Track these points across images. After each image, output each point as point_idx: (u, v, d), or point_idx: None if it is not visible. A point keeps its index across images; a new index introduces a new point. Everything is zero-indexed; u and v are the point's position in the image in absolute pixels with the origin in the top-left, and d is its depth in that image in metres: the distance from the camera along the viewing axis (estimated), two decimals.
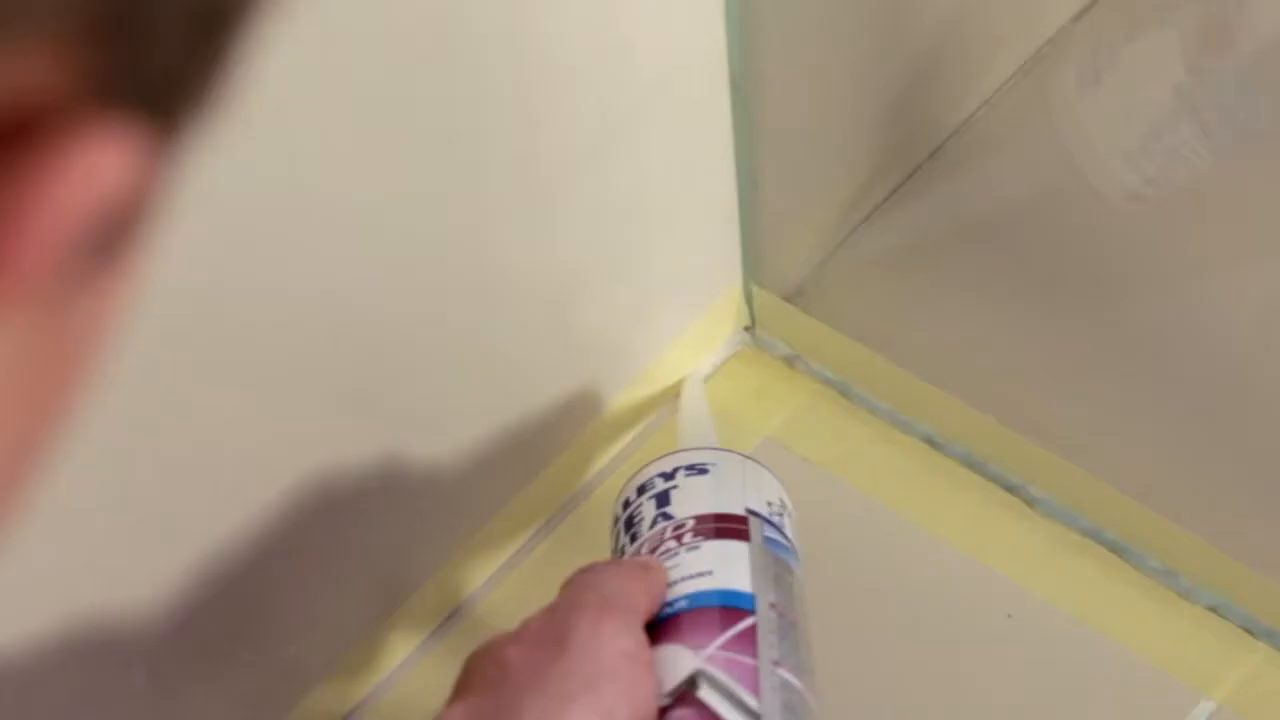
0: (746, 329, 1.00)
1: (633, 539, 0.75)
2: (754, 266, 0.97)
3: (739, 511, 0.75)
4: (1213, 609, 0.89)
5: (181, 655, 0.76)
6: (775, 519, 0.75)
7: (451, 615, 0.92)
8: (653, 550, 0.73)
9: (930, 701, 0.88)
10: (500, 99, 0.74)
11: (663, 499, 0.76)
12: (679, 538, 0.73)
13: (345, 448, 0.79)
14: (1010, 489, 0.93)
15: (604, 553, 0.79)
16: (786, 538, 0.75)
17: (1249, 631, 0.88)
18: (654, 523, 0.75)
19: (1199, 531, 0.88)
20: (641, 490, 0.77)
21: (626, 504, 0.78)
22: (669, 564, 0.72)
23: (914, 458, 0.95)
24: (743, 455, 0.79)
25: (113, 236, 0.26)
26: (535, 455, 0.91)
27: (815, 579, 0.90)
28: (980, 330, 0.97)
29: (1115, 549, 0.91)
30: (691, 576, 0.71)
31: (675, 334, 0.96)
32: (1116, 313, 0.97)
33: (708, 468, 0.77)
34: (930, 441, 0.95)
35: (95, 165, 0.24)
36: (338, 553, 0.82)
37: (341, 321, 0.73)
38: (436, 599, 0.91)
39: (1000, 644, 0.89)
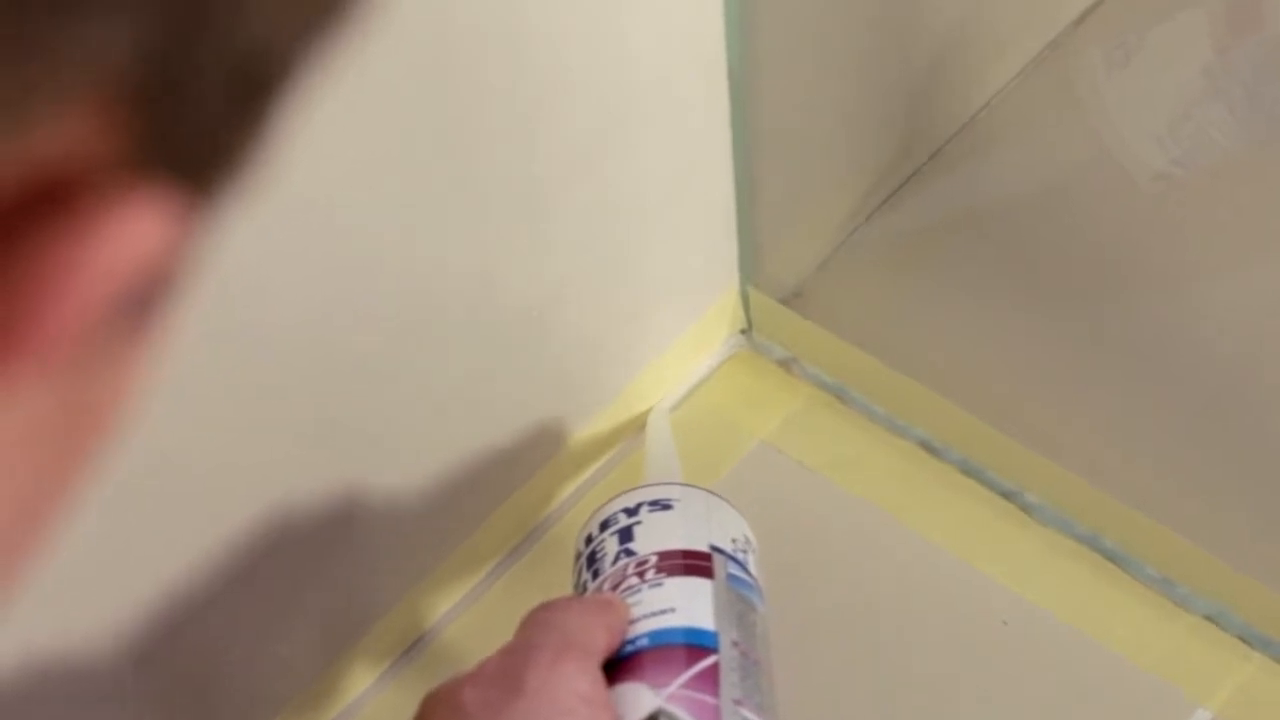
0: (743, 332, 1.00)
1: (595, 575, 0.75)
2: (751, 269, 0.97)
3: (703, 548, 0.74)
4: (1209, 618, 0.88)
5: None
6: (739, 556, 0.75)
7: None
8: (615, 587, 0.73)
9: (925, 708, 0.87)
10: (497, 98, 0.73)
11: (626, 535, 0.75)
12: (641, 574, 0.72)
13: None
14: (1007, 495, 0.93)
15: (566, 586, 0.78)
16: (750, 575, 0.75)
17: (1245, 641, 0.87)
18: (616, 559, 0.74)
19: (1196, 540, 0.87)
20: (604, 526, 0.77)
21: (589, 540, 0.77)
22: (631, 601, 0.71)
23: (910, 463, 0.95)
24: (707, 491, 0.78)
25: (143, 301, 0.26)
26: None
27: (810, 583, 0.90)
28: (978, 335, 0.97)
29: (1112, 556, 0.90)
30: (654, 614, 0.70)
31: (671, 336, 0.96)
32: (1115, 319, 0.97)
33: (672, 503, 0.77)
34: (927, 447, 0.95)
35: (131, 232, 0.24)
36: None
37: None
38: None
39: (996, 651, 0.88)
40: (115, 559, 0.70)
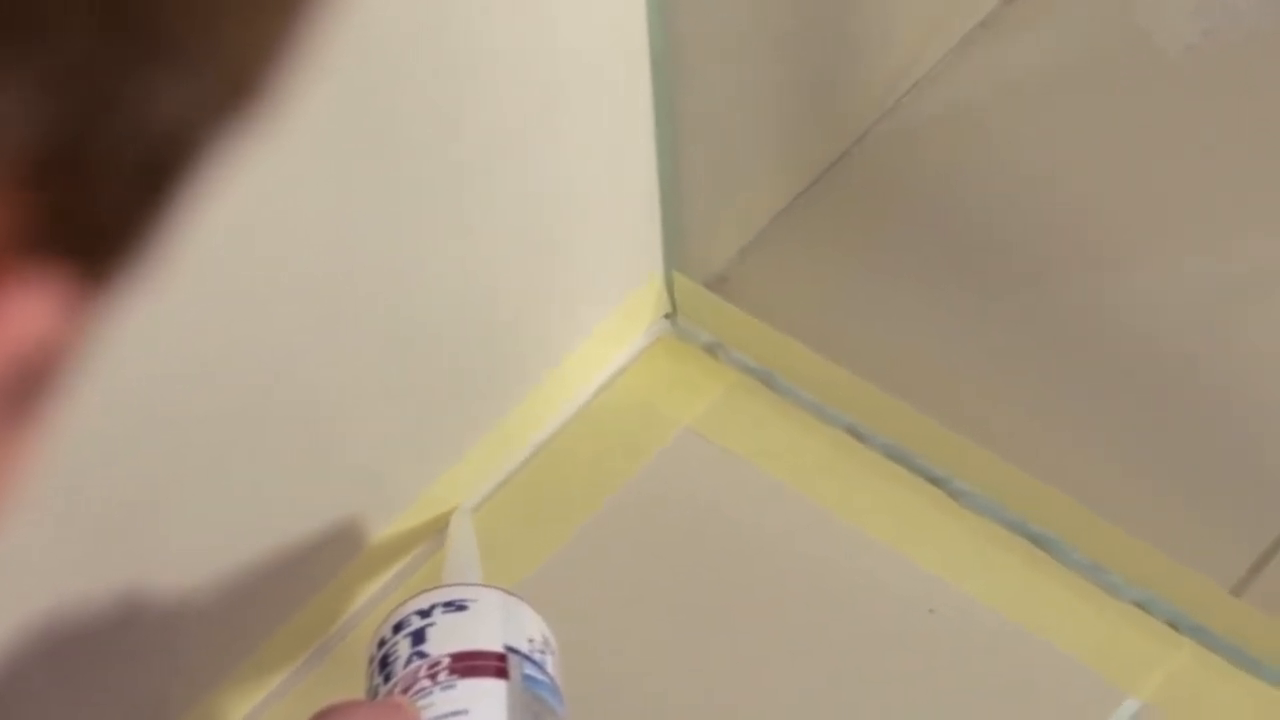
0: (667, 317, 0.99)
1: (386, 678, 0.74)
2: (675, 253, 0.96)
3: (497, 649, 0.74)
4: (1139, 604, 0.88)
5: None
6: (537, 656, 0.74)
7: None
8: (406, 690, 0.72)
9: (851, 698, 0.87)
10: (418, 85, 0.73)
11: (418, 637, 0.75)
12: (433, 676, 0.72)
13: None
14: (935, 481, 0.92)
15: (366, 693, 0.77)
16: (549, 675, 0.74)
17: (1175, 627, 0.87)
18: (409, 661, 0.74)
19: (1126, 526, 0.87)
20: (398, 628, 0.76)
21: (382, 642, 0.76)
22: (422, 704, 0.71)
23: (837, 449, 0.94)
24: (506, 592, 0.77)
25: (28, 386, 0.25)
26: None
27: (734, 571, 0.90)
28: (905, 320, 0.97)
29: (1041, 543, 0.90)
30: (446, 716, 0.70)
31: (595, 321, 0.95)
32: (1043, 305, 0.97)
33: (466, 604, 0.76)
34: (854, 433, 0.94)
35: (19, 315, 0.24)
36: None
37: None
38: None
39: (923, 639, 0.88)
40: None
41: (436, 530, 0.91)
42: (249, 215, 0.68)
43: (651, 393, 0.97)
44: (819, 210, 1.02)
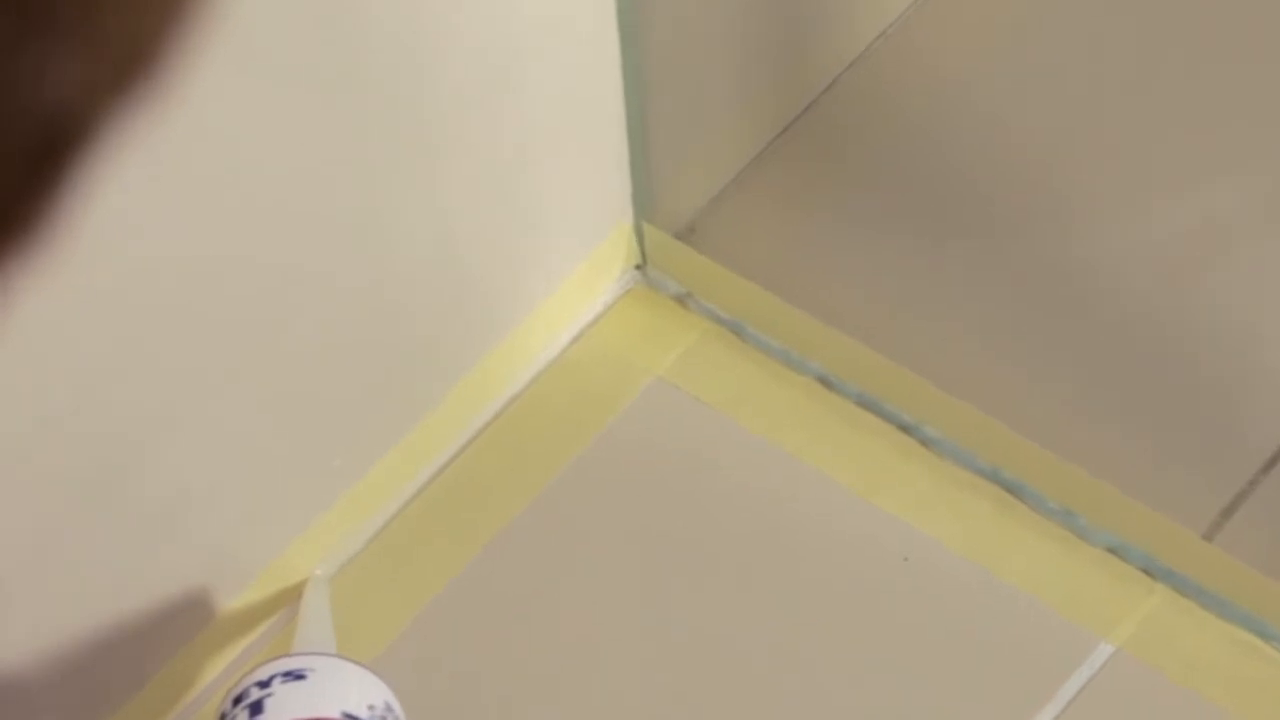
0: (638, 267, 0.99)
1: None
2: (645, 204, 0.96)
3: (334, 716, 0.75)
4: (1112, 550, 0.88)
5: None
6: None
7: None
8: None
9: (825, 645, 0.87)
10: (384, 38, 0.72)
11: (256, 708, 0.76)
12: None
13: None
14: (905, 429, 0.92)
15: None
16: None
17: (1148, 573, 0.88)
18: None
19: (1097, 473, 0.87)
20: (237, 700, 0.77)
21: (223, 716, 0.77)
22: None
23: (807, 397, 0.94)
24: (348, 660, 0.79)
25: None
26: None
27: (707, 520, 0.90)
28: (874, 268, 0.97)
29: (1012, 489, 0.90)
30: None
31: (565, 272, 0.95)
32: (1013, 253, 0.97)
33: (306, 673, 0.77)
34: (824, 381, 0.94)
35: None
36: None
37: None
38: None
39: (897, 587, 0.88)
40: None
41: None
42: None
43: (622, 343, 0.97)
44: (787, 161, 1.01)
